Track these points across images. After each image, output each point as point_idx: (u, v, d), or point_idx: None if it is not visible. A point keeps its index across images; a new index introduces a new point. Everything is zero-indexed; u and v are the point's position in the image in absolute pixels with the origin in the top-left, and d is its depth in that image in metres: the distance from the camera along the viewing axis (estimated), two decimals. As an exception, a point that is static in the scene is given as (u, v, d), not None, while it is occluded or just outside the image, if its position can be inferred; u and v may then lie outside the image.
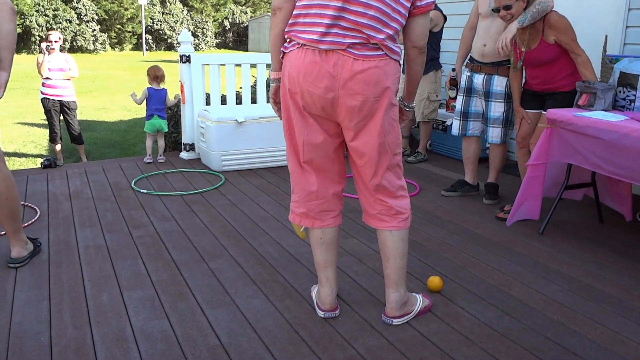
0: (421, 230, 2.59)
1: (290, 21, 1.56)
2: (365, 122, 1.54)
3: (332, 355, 1.58)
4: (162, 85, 3.89)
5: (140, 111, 4.07)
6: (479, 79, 2.89)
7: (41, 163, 3.64)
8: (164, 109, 3.92)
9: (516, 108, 2.77)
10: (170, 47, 27.28)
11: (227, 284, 2.01)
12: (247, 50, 27.72)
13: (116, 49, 26.33)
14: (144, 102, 3.85)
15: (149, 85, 3.84)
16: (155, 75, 3.84)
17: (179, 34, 18.59)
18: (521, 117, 2.74)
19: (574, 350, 1.62)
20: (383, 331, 1.71)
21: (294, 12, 1.54)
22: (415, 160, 3.91)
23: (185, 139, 3.94)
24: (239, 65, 4.06)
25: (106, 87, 11.27)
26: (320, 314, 1.78)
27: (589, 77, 2.45)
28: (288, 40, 1.58)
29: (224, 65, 3.97)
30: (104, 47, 25.05)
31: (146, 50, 25.80)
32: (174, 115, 4.40)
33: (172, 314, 1.80)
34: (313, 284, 1.97)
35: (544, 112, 2.62)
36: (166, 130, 3.94)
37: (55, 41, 4.31)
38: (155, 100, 3.83)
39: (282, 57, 1.61)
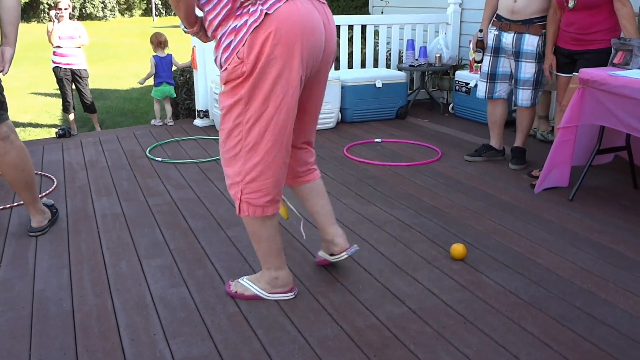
0: (443, 196, 2.51)
1: None
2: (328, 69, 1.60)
3: (352, 322, 1.55)
4: (166, 51, 3.88)
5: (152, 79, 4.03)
6: (508, 38, 2.72)
7: (56, 132, 3.63)
8: (172, 75, 3.91)
9: (547, 53, 2.63)
10: (180, 13, 26.74)
11: (245, 252, 1.98)
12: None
13: (126, 15, 25.96)
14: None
15: (154, 54, 3.84)
16: (159, 41, 3.84)
17: (188, -2, 18.13)
18: (549, 63, 2.62)
19: (605, 320, 1.56)
20: (405, 299, 1.67)
21: None
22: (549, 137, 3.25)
23: (199, 105, 3.87)
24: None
25: (117, 54, 11.15)
26: (290, 295, 1.67)
27: (631, 32, 2.28)
28: (262, 2, 1.35)
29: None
30: (113, 14, 24.70)
31: (156, 15, 25.38)
32: (186, 82, 4.32)
33: (191, 281, 1.79)
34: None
35: (575, 74, 2.46)
36: (174, 96, 3.95)
37: (65, 9, 4.23)
38: (163, 67, 3.84)
39: (259, 22, 1.34)
